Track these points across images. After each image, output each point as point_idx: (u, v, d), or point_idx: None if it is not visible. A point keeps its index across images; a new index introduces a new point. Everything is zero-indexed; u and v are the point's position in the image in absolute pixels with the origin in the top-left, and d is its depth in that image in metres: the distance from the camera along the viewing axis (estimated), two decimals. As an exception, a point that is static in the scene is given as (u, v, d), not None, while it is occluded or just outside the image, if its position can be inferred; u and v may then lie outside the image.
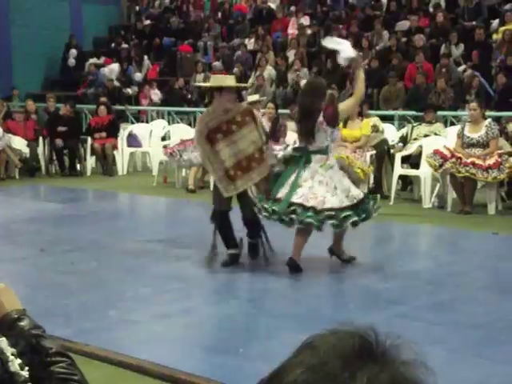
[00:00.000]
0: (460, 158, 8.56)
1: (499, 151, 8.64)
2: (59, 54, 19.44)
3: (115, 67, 17.62)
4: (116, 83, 16.85)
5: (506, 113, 10.52)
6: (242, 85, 6.44)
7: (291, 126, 11.18)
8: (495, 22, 14.42)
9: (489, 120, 8.95)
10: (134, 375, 4.05)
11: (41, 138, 12.81)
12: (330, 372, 0.79)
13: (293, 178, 5.97)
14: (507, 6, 14.76)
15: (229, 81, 6.32)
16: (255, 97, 11.80)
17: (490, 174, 8.41)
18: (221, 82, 6.21)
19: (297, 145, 6.25)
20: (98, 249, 7.03)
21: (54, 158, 12.87)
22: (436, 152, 8.84)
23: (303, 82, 14.59)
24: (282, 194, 5.93)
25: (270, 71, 15.12)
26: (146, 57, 17.97)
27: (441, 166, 8.74)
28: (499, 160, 8.47)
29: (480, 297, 5.41)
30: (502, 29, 13.72)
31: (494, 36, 14.00)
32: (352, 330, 0.85)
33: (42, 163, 12.85)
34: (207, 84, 6.24)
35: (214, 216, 6.32)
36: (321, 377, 0.79)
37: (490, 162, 8.48)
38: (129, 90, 16.82)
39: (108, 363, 4.18)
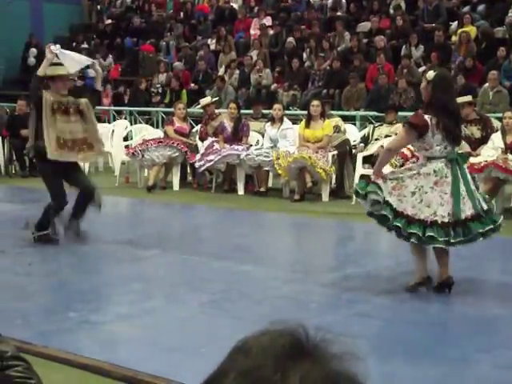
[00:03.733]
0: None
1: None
2: (19, 53, 19.17)
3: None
4: (78, 83, 16.67)
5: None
6: (70, 74, 7.51)
7: (254, 126, 11.23)
8: (454, 24, 14.64)
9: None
10: (94, 377, 4.02)
11: (0, 138, 12.63)
12: (262, 375, 0.80)
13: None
14: (465, 9, 15.00)
15: (60, 71, 7.09)
16: (207, 99, 11.73)
17: (450, 174, 8.53)
18: (52, 72, 7.02)
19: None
20: (59, 250, 6.96)
21: (14, 158, 12.70)
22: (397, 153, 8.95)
23: (265, 83, 14.67)
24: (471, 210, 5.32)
25: (234, 74, 15.12)
26: (110, 56, 17.81)
27: (402, 165, 8.83)
28: (458, 160, 8.60)
29: (438, 295, 5.48)
30: (460, 31, 13.94)
31: (453, 38, 14.21)
32: (282, 329, 0.85)
33: (2, 163, 12.66)
34: (47, 73, 7.11)
35: (54, 207, 7.10)
36: (254, 381, 0.80)
37: (450, 162, 8.60)
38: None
39: (68, 365, 4.14)
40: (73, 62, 7.26)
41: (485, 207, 5.37)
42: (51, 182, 7.05)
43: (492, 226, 5.33)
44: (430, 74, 5.45)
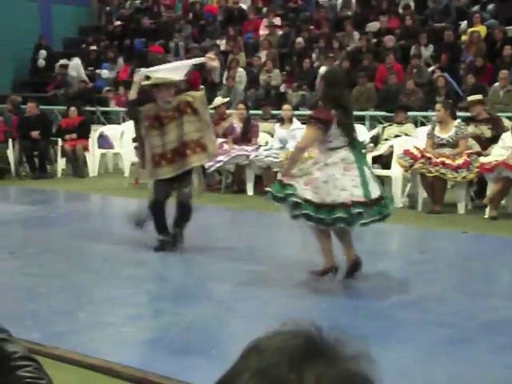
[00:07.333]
0: (430, 158, 8.64)
1: (468, 151, 8.74)
2: (29, 55, 19.24)
3: (77, 61, 17.51)
4: (89, 85, 16.78)
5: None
6: (175, 79, 6.97)
7: (264, 126, 11.22)
8: (464, 24, 14.58)
9: (458, 120, 9.04)
10: (104, 378, 4.02)
11: (10, 140, 12.69)
12: (277, 375, 0.79)
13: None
14: (475, 8, 14.93)
15: (163, 79, 6.85)
16: (218, 100, 11.70)
17: (460, 174, 8.50)
18: (156, 80, 6.82)
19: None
20: (69, 251, 6.97)
21: (24, 159, 12.75)
22: (406, 152, 8.93)
23: (274, 83, 14.66)
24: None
25: (240, 73, 15.10)
26: (121, 58, 17.85)
27: (411, 166, 8.82)
28: (468, 160, 8.57)
29: (449, 296, 5.46)
30: (469, 30, 13.88)
31: (463, 37, 14.16)
32: (295, 329, 0.85)
33: (12, 165, 12.72)
34: (148, 82, 6.91)
35: (151, 204, 6.88)
36: (269, 381, 0.79)
37: (460, 161, 8.57)
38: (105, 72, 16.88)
39: (78, 366, 4.15)
40: (170, 71, 7.01)
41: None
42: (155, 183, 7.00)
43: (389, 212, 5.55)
44: (322, 71, 5.65)
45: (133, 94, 6.90)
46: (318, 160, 5.52)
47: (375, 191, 5.45)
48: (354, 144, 5.55)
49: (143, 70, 7.06)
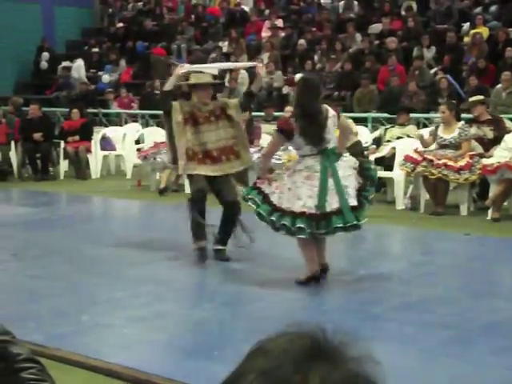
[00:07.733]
0: (432, 160, 8.64)
1: (471, 153, 8.74)
2: (31, 57, 19.27)
3: (80, 63, 17.56)
4: (90, 87, 16.80)
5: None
6: (215, 82, 6.96)
7: (266, 128, 11.22)
8: (466, 25, 14.59)
9: (462, 122, 9.04)
10: (106, 379, 4.03)
11: (13, 142, 12.71)
12: (282, 376, 0.80)
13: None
14: (477, 10, 14.94)
15: (205, 78, 6.80)
16: None
17: (462, 176, 8.49)
18: (196, 80, 6.71)
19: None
20: (71, 253, 6.98)
21: (27, 161, 12.77)
22: (406, 158, 8.92)
23: (276, 85, 14.67)
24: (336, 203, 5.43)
25: (243, 74, 15.11)
26: (123, 60, 17.88)
27: (413, 170, 8.82)
28: (471, 161, 8.56)
29: (452, 297, 5.46)
30: (472, 32, 13.89)
31: (465, 39, 14.16)
32: (300, 331, 0.86)
33: (15, 167, 12.73)
34: (187, 82, 6.84)
35: (190, 202, 6.56)
36: (274, 382, 0.80)
37: (462, 163, 8.57)
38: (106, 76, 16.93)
39: (80, 368, 4.15)
40: (207, 69, 7.08)
41: (352, 203, 5.48)
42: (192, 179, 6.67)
43: (355, 223, 5.48)
44: (297, 77, 5.69)
45: (168, 86, 6.71)
46: (291, 166, 5.67)
47: (333, 203, 5.38)
48: (326, 152, 5.50)
49: (187, 65, 7.01)
